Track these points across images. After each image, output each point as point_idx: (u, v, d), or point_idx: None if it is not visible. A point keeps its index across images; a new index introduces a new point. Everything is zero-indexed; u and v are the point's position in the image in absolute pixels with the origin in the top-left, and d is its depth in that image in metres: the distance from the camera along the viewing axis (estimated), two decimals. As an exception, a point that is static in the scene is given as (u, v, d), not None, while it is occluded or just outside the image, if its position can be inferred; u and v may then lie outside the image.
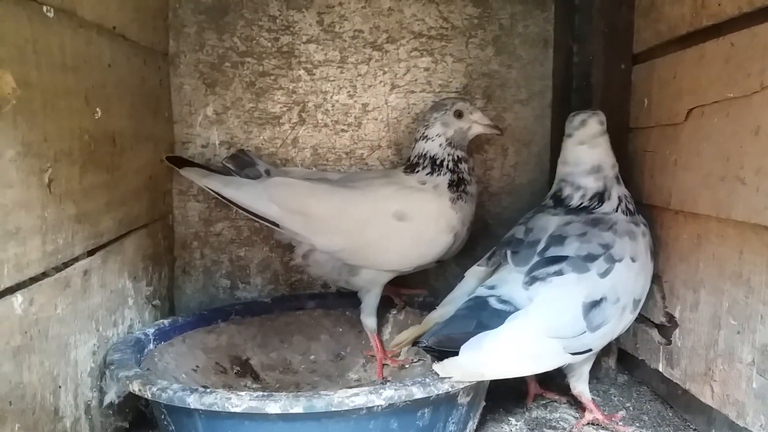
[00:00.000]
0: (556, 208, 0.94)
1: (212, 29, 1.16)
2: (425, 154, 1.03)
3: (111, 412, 0.82)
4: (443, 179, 1.02)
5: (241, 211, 1.01)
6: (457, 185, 1.02)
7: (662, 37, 0.96)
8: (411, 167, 1.04)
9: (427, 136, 1.03)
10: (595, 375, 1.09)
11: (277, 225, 0.99)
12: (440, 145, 1.02)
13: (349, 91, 1.19)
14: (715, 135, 0.80)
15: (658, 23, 0.96)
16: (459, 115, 1.03)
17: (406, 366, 1.03)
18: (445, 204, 1.00)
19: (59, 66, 0.71)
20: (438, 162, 1.02)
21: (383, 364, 1.04)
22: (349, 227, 0.98)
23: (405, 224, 0.98)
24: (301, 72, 1.18)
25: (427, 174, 1.02)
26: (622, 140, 1.06)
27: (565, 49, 1.12)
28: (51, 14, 0.69)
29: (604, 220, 0.90)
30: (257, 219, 1.01)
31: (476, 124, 1.04)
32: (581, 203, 0.93)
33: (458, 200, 1.01)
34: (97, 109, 0.80)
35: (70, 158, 0.73)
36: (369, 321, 1.04)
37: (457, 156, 1.03)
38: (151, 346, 0.90)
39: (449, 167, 1.02)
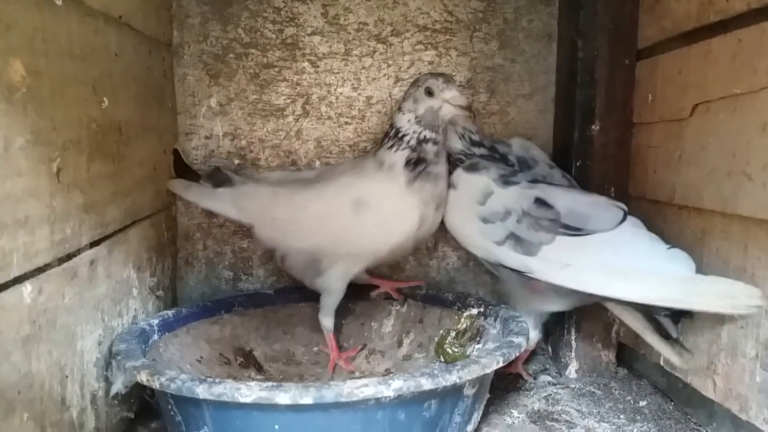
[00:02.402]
0: None
1: (216, 20, 1.16)
2: (393, 124, 1.00)
3: (116, 402, 0.82)
4: (400, 156, 0.97)
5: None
6: (415, 164, 0.96)
7: (667, 33, 0.96)
8: (383, 138, 1.02)
9: (400, 108, 1.00)
10: (595, 368, 1.10)
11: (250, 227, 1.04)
12: (408, 120, 0.97)
13: (353, 84, 1.19)
14: (721, 131, 0.81)
15: (664, 19, 0.97)
16: (429, 92, 0.96)
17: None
18: (401, 186, 0.96)
19: (67, 54, 0.70)
20: (400, 136, 0.98)
21: (335, 364, 1.04)
22: (312, 225, 0.99)
23: (363, 213, 0.96)
24: (306, 64, 1.18)
25: (388, 148, 0.98)
26: (626, 135, 1.07)
27: (569, 44, 1.12)
28: (59, 2, 0.68)
29: None
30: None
31: (447, 104, 0.96)
32: None
33: (416, 180, 0.96)
34: (104, 99, 0.80)
35: (78, 147, 0.73)
36: (327, 321, 1.04)
37: (424, 135, 0.97)
38: (156, 336, 0.90)
39: (410, 144, 0.97)
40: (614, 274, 0.85)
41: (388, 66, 1.19)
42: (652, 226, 0.99)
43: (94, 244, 0.78)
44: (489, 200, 0.96)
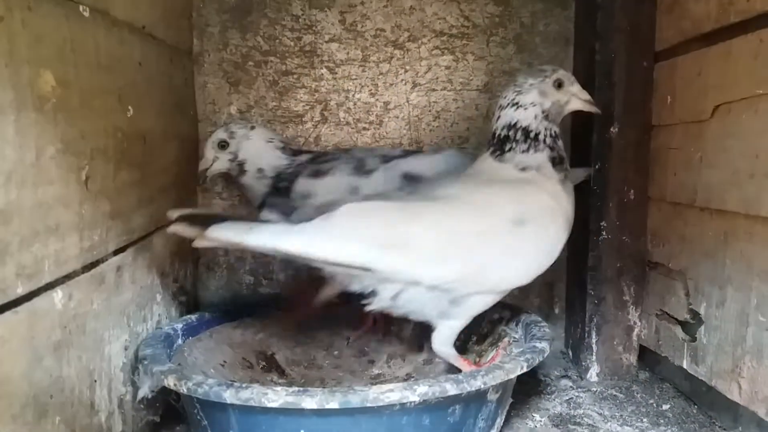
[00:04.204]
0: None
1: (236, 28, 1.17)
2: (515, 125, 0.87)
3: (143, 406, 0.83)
4: (543, 156, 0.86)
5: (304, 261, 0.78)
6: (560, 163, 0.87)
7: (686, 35, 0.96)
8: (499, 145, 0.88)
9: (518, 103, 0.88)
10: (616, 372, 1.09)
11: (365, 269, 0.77)
12: (535, 116, 0.87)
13: (370, 90, 1.20)
14: (743, 132, 0.80)
15: (682, 20, 0.96)
16: (559, 85, 0.89)
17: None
18: (557, 189, 0.85)
19: (94, 65, 0.72)
20: (533, 135, 0.87)
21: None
22: (464, 250, 0.80)
23: (524, 229, 0.81)
24: (324, 71, 1.19)
25: (523, 152, 0.86)
26: (645, 138, 1.06)
27: (586, 47, 1.12)
28: (87, 14, 0.70)
29: None
30: (334, 266, 0.78)
31: (575, 98, 0.91)
32: None
33: (566, 180, 0.87)
34: (129, 108, 0.82)
35: (105, 156, 0.74)
36: (449, 350, 0.86)
37: (555, 131, 0.88)
38: (180, 341, 0.91)
39: (547, 142, 0.87)
40: None
41: (405, 71, 1.20)
42: (673, 229, 0.99)
43: (120, 250, 0.79)
44: (360, 194, 0.96)
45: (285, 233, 0.74)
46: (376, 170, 0.98)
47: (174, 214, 0.77)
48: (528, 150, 0.87)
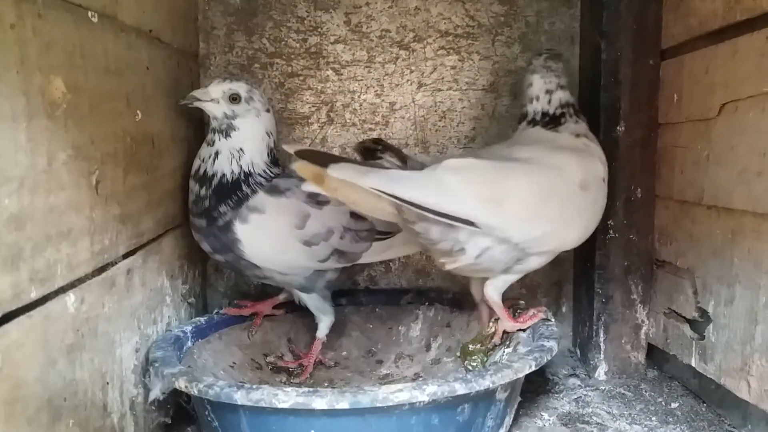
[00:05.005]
0: None
1: (241, 31, 1.18)
2: (567, 103, 1.01)
3: (154, 407, 0.84)
4: (583, 126, 1.00)
5: (413, 209, 0.78)
6: (591, 129, 1.01)
7: (692, 33, 0.95)
8: (554, 121, 1.00)
9: (562, 85, 1.02)
10: (624, 370, 1.09)
11: (467, 222, 0.79)
12: (571, 93, 1.03)
13: (376, 90, 1.20)
14: (751, 130, 0.80)
15: (689, 18, 0.96)
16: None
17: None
18: (600, 155, 0.97)
19: (103, 70, 0.72)
20: (576, 110, 1.01)
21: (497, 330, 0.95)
22: (551, 210, 0.86)
23: (587, 194, 0.90)
24: (329, 72, 1.19)
25: (575, 123, 1.00)
26: (651, 136, 1.06)
27: (592, 45, 1.12)
28: (95, 19, 0.70)
29: None
30: (442, 218, 0.79)
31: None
32: None
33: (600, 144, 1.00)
34: (138, 112, 0.82)
35: (115, 160, 0.75)
36: (498, 299, 0.92)
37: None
38: (190, 343, 0.92)
39: (579, 115, 1.01)
40: None
41: (411, 72, 1.20)
42: (680, 227, 0.99)
43: (129, 253, 0.80)
44: (308, 222, 0.94)
45: (401, 180, 0.77)
46: (327, 203, 0.96)
47: (291, 148, 0.78)
48: (577, 122, 1.00)
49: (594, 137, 1.01)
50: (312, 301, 1.01)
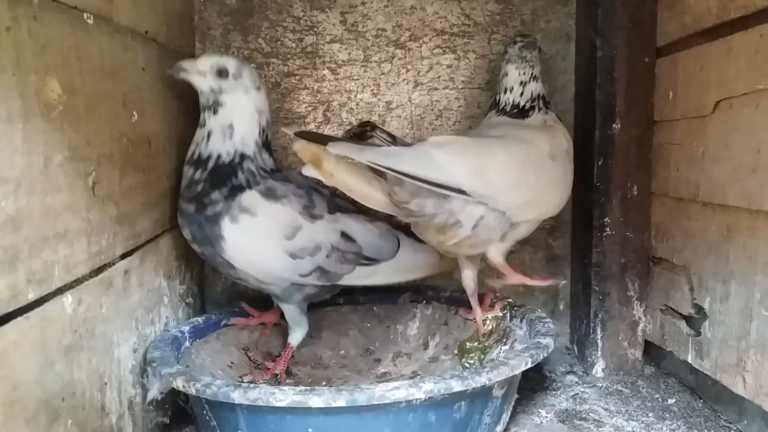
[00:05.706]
0: None
1: (237, 31, 1.18)
2: (539, 96, 1.03)
3: (152, 407, 0.84)
4: (552, 116, 1.04)
5: (408, 180, 0.81)
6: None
7: (687, 30, 0.96)
8: (522, 113, 1.03)
9: (536, 75, 1.03)
10: (621, 367, 1.10)
11: (459, 191, 0.84)
12: (543, 82, 1.04)
13: (372, 90, 1.20)
14: (745, 127, 0.81)
15: (683, 16, 0.97)
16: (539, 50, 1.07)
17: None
18: (564, 132, 1.02)
19: (99, 71, 0.73)
20: (546, 102, 1.04)
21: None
22: (528, 178, 0.91)
23: (556, 163, 0.96)
24: (326, 72, 1.19)
25: (543, 115, 1.03)
26: (647, 133, 1.07)
27: (587, 43, 1.13)
28: (91, 21, 0.70)
29: None
30: (436, 188, 0.82)
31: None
32: None
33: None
34: (134, 113, 0.82)
35: (111, 161, 0.75)
36: (501, 260, 0.95)
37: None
38: (188, 343, 0.92)
39: (549, 106, 1.05)
40: None
41: (407, 71, 1.20)
42: (676, 224, 1.00)
43: (127, 254, 0.80)
44: (298, 234, 0.93)
45: (395, 155, 0.82)
46: (321, 218, 0.95)
47: (291, 129, 0.88)
48: (547, 113, 1.03)
49: (561, 123, 1.05)
50: (287, 310, 0.99)
